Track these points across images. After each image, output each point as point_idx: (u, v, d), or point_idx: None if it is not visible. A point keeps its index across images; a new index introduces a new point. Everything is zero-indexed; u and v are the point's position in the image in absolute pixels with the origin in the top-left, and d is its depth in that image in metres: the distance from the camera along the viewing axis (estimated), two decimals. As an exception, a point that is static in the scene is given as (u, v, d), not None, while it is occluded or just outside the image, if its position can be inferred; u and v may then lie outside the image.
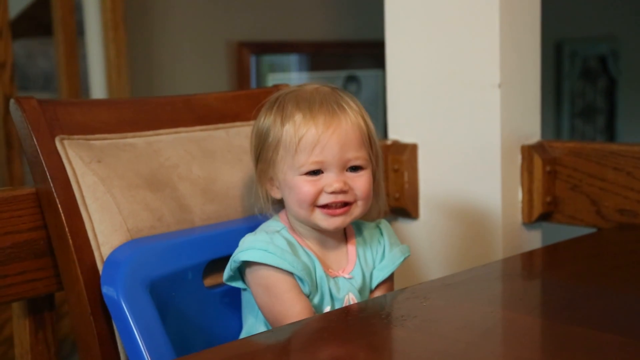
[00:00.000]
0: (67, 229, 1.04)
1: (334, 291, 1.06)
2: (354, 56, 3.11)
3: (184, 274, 1.08)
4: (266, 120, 1.06)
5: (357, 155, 1.03)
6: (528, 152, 1.45)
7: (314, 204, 1.03)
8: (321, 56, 3.02)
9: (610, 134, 4.08)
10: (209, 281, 1.12)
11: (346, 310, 0.96)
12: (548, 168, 1.44)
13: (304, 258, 1.04)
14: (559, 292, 1.03)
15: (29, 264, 1.06)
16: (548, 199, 1.45)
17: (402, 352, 0.85)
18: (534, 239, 1.51)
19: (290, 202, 1.05)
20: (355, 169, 1.04)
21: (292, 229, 1.08)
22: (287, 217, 1.09)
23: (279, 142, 1.04)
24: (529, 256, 1.24)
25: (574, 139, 3.83)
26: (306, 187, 1.02)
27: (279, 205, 1.10)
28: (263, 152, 1.06)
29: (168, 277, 1.06)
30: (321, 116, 1.02)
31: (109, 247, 1.05)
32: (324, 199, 1.02)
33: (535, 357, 0.81)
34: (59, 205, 1.04)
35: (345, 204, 1.03)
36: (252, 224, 1.14)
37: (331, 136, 1.01)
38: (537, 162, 1.44)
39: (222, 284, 1.13)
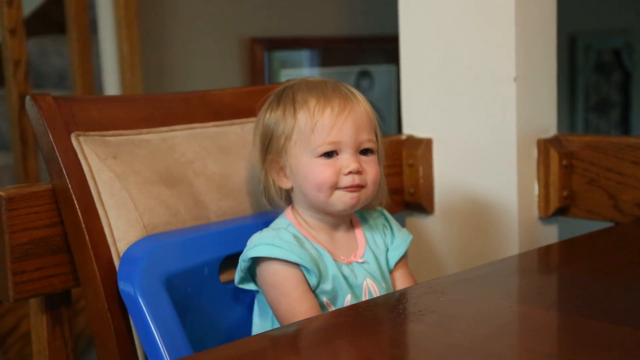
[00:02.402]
0: (83, 225, 1.04)
1: (351, 279, 1.06)
2: (366, 51, 3.10)
3: (200, 269, 1.08)
4: (273, 113, 1.07)
5: (369, 138, 1.06)
6: (544, 146, 1.44)
7: (334, 187, 1.04)
8: (333, 52, 3.01)
9: (625, 128, 4.05)
10: (224, 277, 1.12)
11: (363, 305, 0.96)
12: (564, 162, 1.43)
13: (311, 250, 1.05)
14: (576, 286, 1.02)
15: (46, 260, 1.06)
16: (565, 193, 1.44)
17: (420, 346, 0.85)
18: (551, 234, 1.50)
19: (306, 187, 1.05)
20: (366, 152, 1.06)
21: (299, 224, 1.08)
22: (294, 212, 1.09)
23: (292, 128, 1.05)
24: (545, 251, 1.24)
25: (589, 133, 3.81)
26: (324, 170, 1.03)
27: (287, 199, 1.10)
28: (273, 142, 1.07)
29: (184, 272, 1.06)
30: (336, 100, 1.05)
31: (125, 243, 1.05)
32: (344, 182, 1.04)
33: (552, 352, 0.81)
34: (75, 202, 1.04)
35: (359, 187, 1.05)
36: (267, 220, 1.14)
37: (347, 117, 1.04)
38: (554, 156, 1.43)
39: (238, 280, 1.13)
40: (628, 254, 1.18)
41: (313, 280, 1.03)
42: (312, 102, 1.05)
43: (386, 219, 1.16)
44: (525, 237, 1.45)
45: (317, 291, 1.04)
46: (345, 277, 1.06)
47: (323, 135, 1.03)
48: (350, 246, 1.10)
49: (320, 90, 1.06)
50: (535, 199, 1.46)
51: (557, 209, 1.45)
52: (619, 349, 0.79)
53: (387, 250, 1.13)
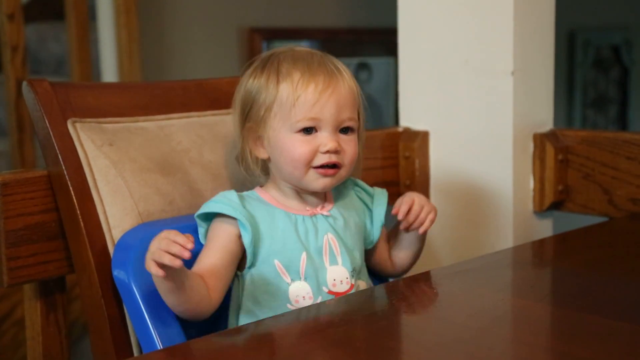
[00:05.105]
0: (78, 212, 1.04)
1: (309, 234, 1.04)
2: (365, 43, 3.10)
3: (194, 257, 1.08)
4: (257, 80, 1.06)
5: (350, 116, 1.04)
6: (540, 140, 1.44)
7: (309, 165, 1.03)
8: (332, 43, 3.01)
9: (622, 124, 4.05)
10: (219, 265, 1.12)
11: (357, 295, 0.96)
12: (560, 156, 1.44)
13: (255, 208, 1.04)
14: (570, 280, 1.02)
15: (41, 246, 1.06)
16: (560, 187, 1.45)
17: (413, 337, 0.85)
18: (545, 228, 1.51)
19: (282, 162, 1.04)
20: (346, 130, 1.04)
21: (265, 191, 1.07)
22: (267, 184, 1.08)
23: (273, 100, 1.03)
24: (539, 244, 1.24)
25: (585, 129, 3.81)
26: (300, 147, 1.02)
27: (264, 168, 1.08)
28: (253, 111, 1.05)
29: (179, 260, 1.06)
30: (321, 75, 1.03)
31: (120, 231, 1.05)
32: (319, 160, 1.02)
33: (545, 344, 0.81)
34: (71, 188, 1.04)
35: (335, 166, 1.03)
36: (263, 209, 1.14)
37: (330, 95, 1.02)
38: (550, 150, 1.43)
39: (232, 269, 1.13)
40: (621, 248, 1.18)
41: (247, 238, 1.02)
42: (297, 76, 1.03)
43: (356, 184, 1.14)
44: (519, 231, 1.45)
45: (264, 251, 1.02)
46: (298, 233, 1.04)
47: (304, 111, 1.01)
48: (318, 204, 1.09)
49: (305, 64, 1.04)
50: (531, 193, 1.47)
51: (552, 203, 1.46)
52: (611, 341, 0.79)
53: (367, 216, 1.12)
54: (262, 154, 1.06)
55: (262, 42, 2.75)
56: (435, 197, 1.53)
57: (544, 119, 1.48)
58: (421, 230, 1.11)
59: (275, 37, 2.80)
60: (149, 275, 1.01)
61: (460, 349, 0.79)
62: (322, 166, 1.03)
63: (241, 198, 1.04)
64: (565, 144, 1.45)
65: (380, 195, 1.14)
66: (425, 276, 1.02)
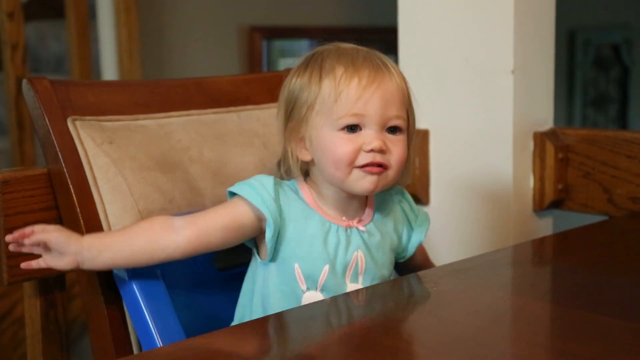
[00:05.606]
0: (78, 210, 1.04)
1: (341, 247, 1.00)
2: (365, 42, 3.08)
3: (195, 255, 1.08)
4: (299, 78, 1.00)
5: (398, 114, 0.98)
6: (540, 139, 1.44)
7: (352, 165, 0.96)
8: (332, 42, 3.01)
9: (622, 123, 4.05)
10: (219, 263, 1.13)
11: (356, 293, 0.96)
12: (560, 155, 1.44)
13: (289, 204, 0.99)
14: (570, 278, 1.02)
15: (41, 244, 1.06)
16: (560, 186, 1.45)
17: (413, 336, 0.85)
18: (545, 226, 1.51)
19: (324, 162, 0.98)
20: (394, 130, 0.98)
21: (307, 189, 1.02)
22: (308, 182, 1.03)
23: (316, 97, 0.98)
24: (539, 243, 1.24)
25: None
26: (343, 145, 0.96)
27: (305, 172, 1.04)
28: (295, 110, 1.00)
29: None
30: (365, 70, 0.97)
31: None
32: (363, 159, 0.96)
33: (545, 342, 0.81)
34: (71, 186, 1.04)
35: (380, 166, 0.96)
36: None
37: (375, 91, 0.96)
38: (550, 149, 1.43)
39: (232, 267, 1.13)
40: (621, 247, 1.18)
41: (269, 233, 0.97)
42: (340, 71, 0.97)
43: (403, 197, 1.08)
44: (519, 230, 1.45)
45: (288, 252, 0.98)
46: (327, 244, 0.99)
47: (347, 107, 0.95)
48: (357, 215, 1.03)
49: (350, 59, 0.99)
50: (531, 192, 1.47)
51: (552, 202, 1.46)
52: (610, 339, 0.79)
53: (405, 232, 1.08)
54: (305, 155, 1.00)
55: (262, 41, 2.75)
56: (435, 196, 1.53)
57: (544, 117, 1.48)
58: None
59: (276, 35, 2.80)
60: (148, 273, 1.01)
61: (459, 348, 0.79)
62: (365, 165, 0.96)
63: (277, 189, 0.99)
64: (566, 142, 1.45)
65: (424, 219, 1.09)
66: (425, 274, 1.02)
